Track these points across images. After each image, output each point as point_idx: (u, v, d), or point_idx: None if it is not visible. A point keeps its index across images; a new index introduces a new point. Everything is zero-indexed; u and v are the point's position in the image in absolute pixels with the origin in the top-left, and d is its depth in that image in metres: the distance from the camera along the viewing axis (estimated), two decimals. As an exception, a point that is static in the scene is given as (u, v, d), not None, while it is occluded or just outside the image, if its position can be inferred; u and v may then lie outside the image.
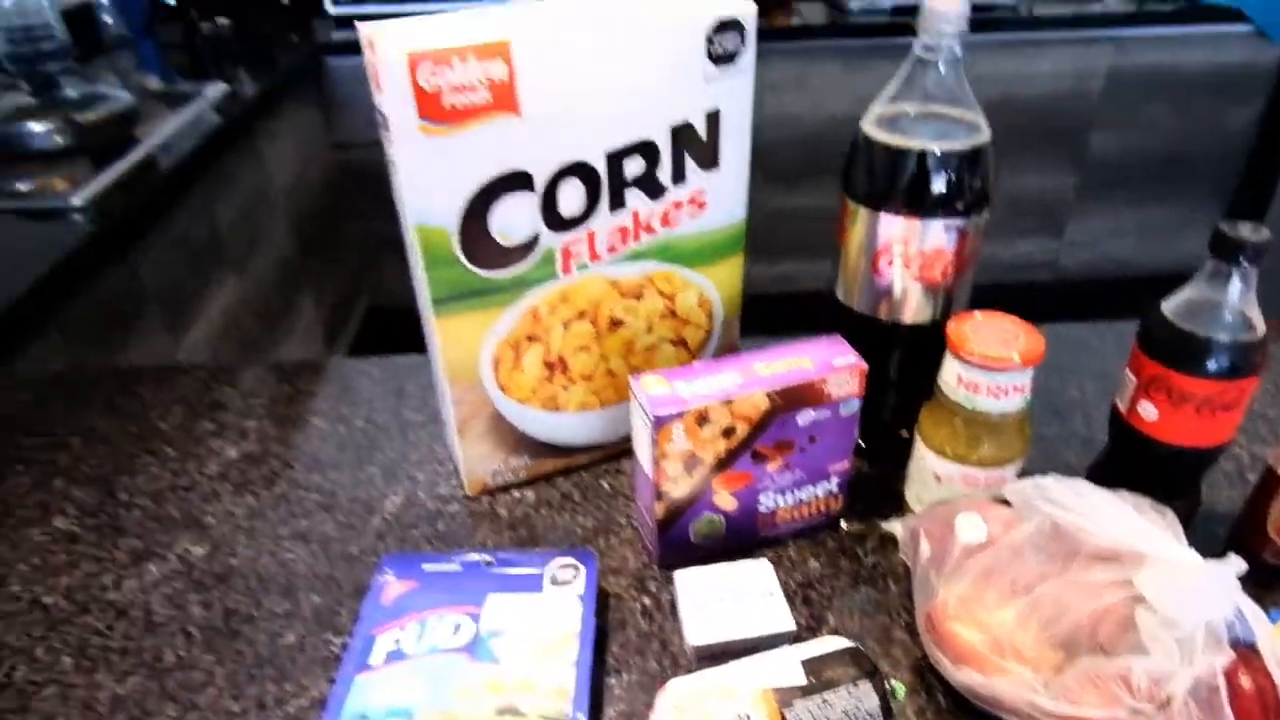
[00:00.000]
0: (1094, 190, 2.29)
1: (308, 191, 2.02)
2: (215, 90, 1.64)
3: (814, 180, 2.15)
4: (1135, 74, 2.12)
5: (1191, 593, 0.42)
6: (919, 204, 0.53)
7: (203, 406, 0.76)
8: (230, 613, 0.56)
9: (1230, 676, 0.39)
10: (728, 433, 0.51)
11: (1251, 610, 0.42)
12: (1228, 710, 0.38)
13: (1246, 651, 0.41)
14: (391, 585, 0.53)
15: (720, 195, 0.57)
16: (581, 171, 0.52)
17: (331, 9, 2.21)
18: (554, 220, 0.53)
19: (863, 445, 0.65)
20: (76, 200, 1.20)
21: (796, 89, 2.05)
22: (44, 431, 0.73)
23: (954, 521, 0.51)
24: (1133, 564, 0.45)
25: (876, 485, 0.63)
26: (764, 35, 2.19)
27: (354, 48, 2.08)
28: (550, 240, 0.53)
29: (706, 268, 0.59)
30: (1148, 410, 0.53)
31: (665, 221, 0.56)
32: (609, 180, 0.53)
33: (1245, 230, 0.47)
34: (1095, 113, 2.17)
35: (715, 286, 0.61)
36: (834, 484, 0.57)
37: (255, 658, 0.53)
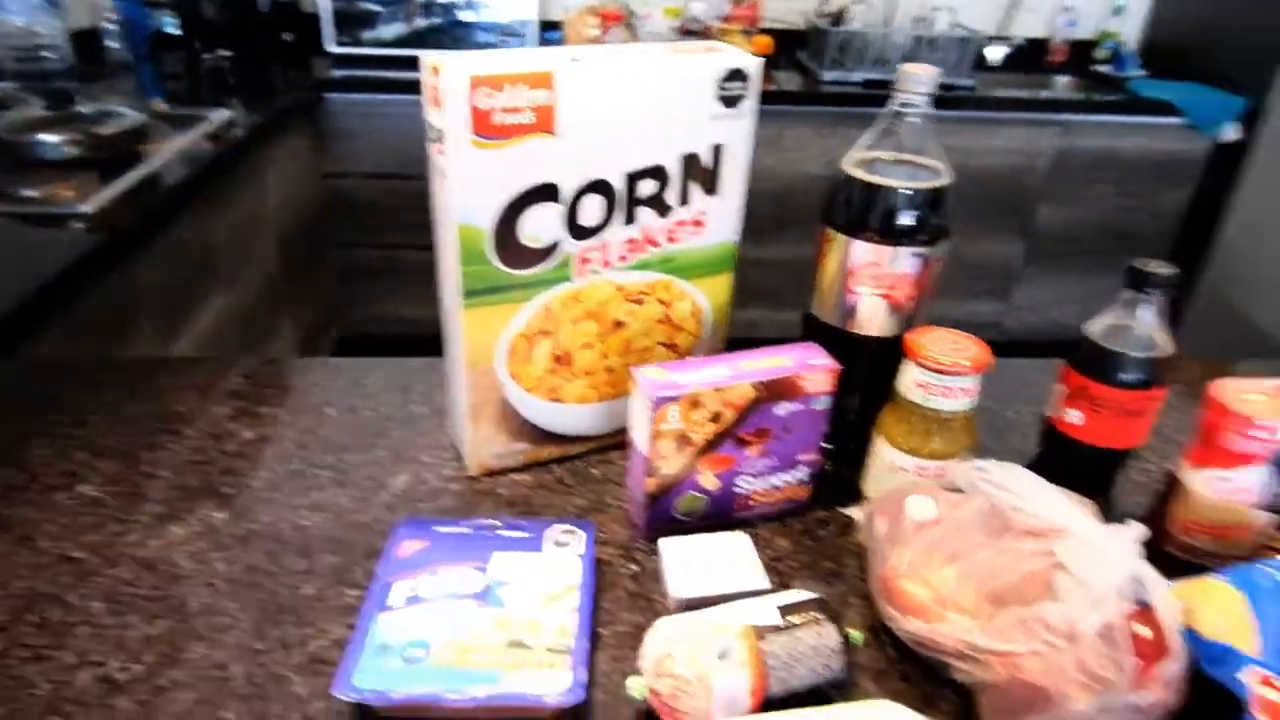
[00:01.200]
0: (1040, 259, 2.46)
1: (296, 217, 2.08)
2: (219, 116, 1.71)
3: (782, 233, 2.28)
4: (1079, 155, 2.30)
5: (1101, 558, 0.50)
6: (889, 234, 0.63)
7: (218, 394, 0.81)
8: (252, 568, 0.61)
9: (1128, 622, 0.47)
10: (716, 418, 0.59)
11: (1149, 575, 0.51)
12: (1126, 644, 0.46)
13: (1144, 607, 0.49)
14: (406, 543, 0.59)
15: (718, 218, 0.65)
16: (602, 188, 0.60)
17: (332, 48, 2.31)
18: (575, 229, 0.61)
19: (829, 447, 0.73)
20: (85, 208, 1.26)
21: (771, 148, 2.19)
22: (66, 410, 0.78)
23: (906, 502, 0.59)
24: (1056, 538, 0.54)
25: (839, 483, 0.71)
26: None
27: (350, 85, 2.17)
28: (569, 247, 0.61)
29: (701, 280, 0.68)
30: (1073, 416, 0.62)
31: (670, 237, 0.64)
32: (625, 197, 0.61)
33: (1154, 266, 0.57)
34: (1042, 188, 2.34)
35: (707, 298, 0.69)
36: (804, 473, 0.65)
37: (277, 606, 0.58)
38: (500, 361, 0.64)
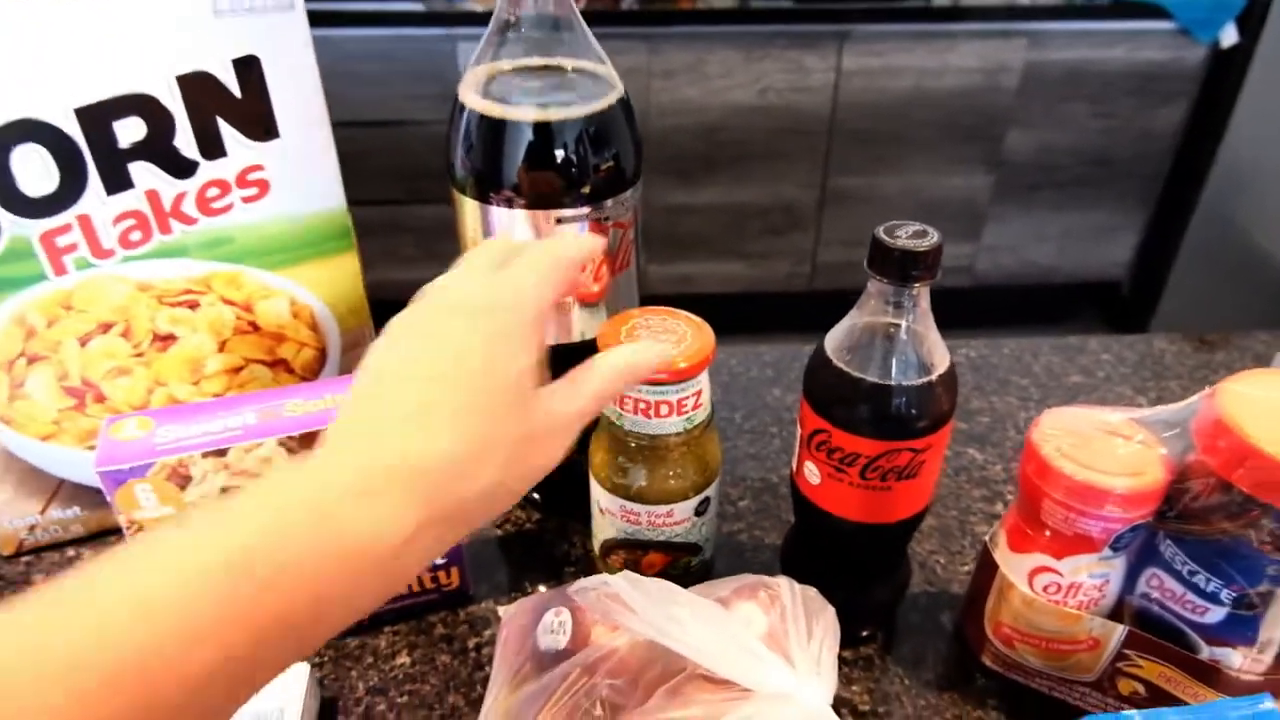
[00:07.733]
0: (1011, 192, 2.18)
1: None
2: None
3: (713, 174, 2.02)
4: (1051, 70, 2.01)
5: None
6: (531, 192, 0.40)
7: None
8: None
9: None
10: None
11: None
12: None
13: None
14: None
15: (289, 175, 0.43)
16: (41, 134, 0.38)
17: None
18: (15, 201, 0.39)
19: (537, 497, 0.52)
20: None
21: (693, 77, 1.92)
22: None
23: (543, 620, 0.38)
24: (733, 702, 0.33)
25: (546, 544, 0.50)
26: (656, 19, 2.01)
27: None
28: (17, 228, 0.39)
29: (293, 268, 0.46)
30: (812, 473, 0.40)
31: (205, 207, 0.42)
32: (93, 149, 0.39)
33: (905, 237, 0.34)
34: (1010, 110, 2.06)
35: (317, 292, 0.47)
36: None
37: None
38: (-24, 401, 0.43)
